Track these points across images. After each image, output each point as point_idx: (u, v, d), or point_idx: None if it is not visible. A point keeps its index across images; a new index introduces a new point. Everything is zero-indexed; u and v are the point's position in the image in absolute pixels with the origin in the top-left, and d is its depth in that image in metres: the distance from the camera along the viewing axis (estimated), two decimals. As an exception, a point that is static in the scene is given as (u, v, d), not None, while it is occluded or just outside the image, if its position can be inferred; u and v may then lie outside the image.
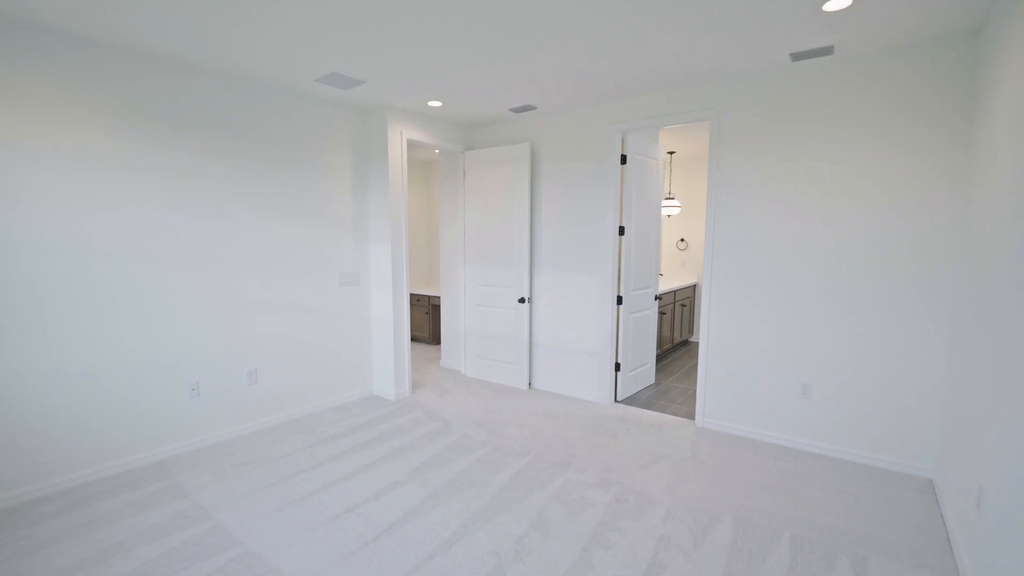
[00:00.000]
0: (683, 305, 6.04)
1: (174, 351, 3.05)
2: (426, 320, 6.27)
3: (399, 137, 3.98)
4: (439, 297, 5.93)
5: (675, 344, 5.92)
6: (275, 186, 3.48)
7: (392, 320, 4.05)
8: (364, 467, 2.92)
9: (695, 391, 4.20)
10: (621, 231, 3.95)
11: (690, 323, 6.34)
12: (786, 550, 2.15)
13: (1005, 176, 1.85)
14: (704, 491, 2.65)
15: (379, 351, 4.20)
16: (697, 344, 6.33)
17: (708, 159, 3.42)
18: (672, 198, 5.97)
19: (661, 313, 5.31)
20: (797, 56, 2.81)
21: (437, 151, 5.72)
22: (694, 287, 6.39)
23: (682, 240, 6.63)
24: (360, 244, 4.09)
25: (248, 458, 3.04)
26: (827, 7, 2.23)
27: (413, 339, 6.50)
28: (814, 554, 2.12)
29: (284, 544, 2.20)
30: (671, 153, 6.26)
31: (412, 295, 6.38)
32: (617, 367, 4.08)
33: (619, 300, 4.00)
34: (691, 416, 3.75)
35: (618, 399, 4.11)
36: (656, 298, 4.54)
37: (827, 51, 2.74)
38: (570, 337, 4.21)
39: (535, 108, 3.99)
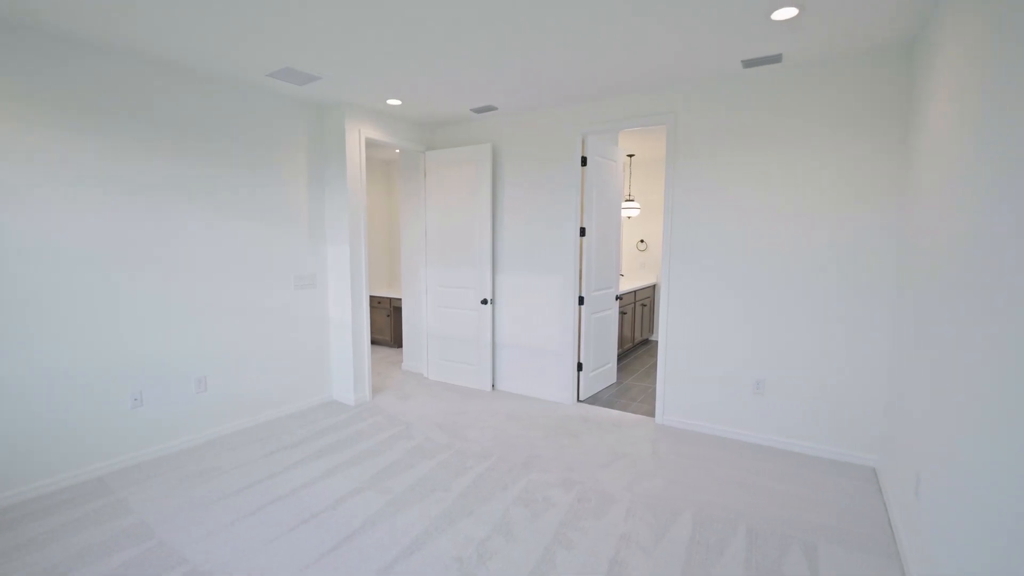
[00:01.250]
0: (643, 305, 6.16)
1: (113, 359, 2.87)
2: (387, 323, 6.15)
3: (357, 135, 3.89)
4: (400, 299, 5.83)
5: (636, 343, 6.03)
6: (226, 184, 3.33)
7: (351, 323, 3.95)
8: (322, 475, 2.83)
9: (655, 389, 4.28)
10: (582, 232, 3.99)
11: (650, 322, 6.48)
12: (742, 542, 2.21)
13: (933, 182, 1.97)
14: (664, 488, 2.70)
15: (338, 355, 4.08)
16: (657, 343, 6.48)
17: (665, 162, 3.50)
18: (632, 200, 6.08)
19: (622, 313, 5.40)
20: (748, 63, 2.91)
21: (397, 151, 5.63)
22: (654, 287, 6.53)
23: (642, 241, 6.77)
24: (317, 245, 3.97)
25: (198, 470, 2.89)
26: (775, 16, 2.31)
27: (374, 342, 6.37)
28: (768, 545, 2.19)
29: (236, 560, 2.10)
30: (631, 156, 6.38)
31: (373, 297, 6.25)
32: (579, 367, 4.11)
33: (581, 300, 4.04)
34: (651, 414, 3.83)
35: (581, 399, 4.15)
36: (617, 298, 4.61)
37: (776, 59, 2.85)
38: (533, 338, 4.22)
39: (496, 109, 3.98)
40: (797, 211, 3.05)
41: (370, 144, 5.42)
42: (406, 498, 2.57)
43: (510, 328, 4.34)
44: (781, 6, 2.21)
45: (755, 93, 3.13)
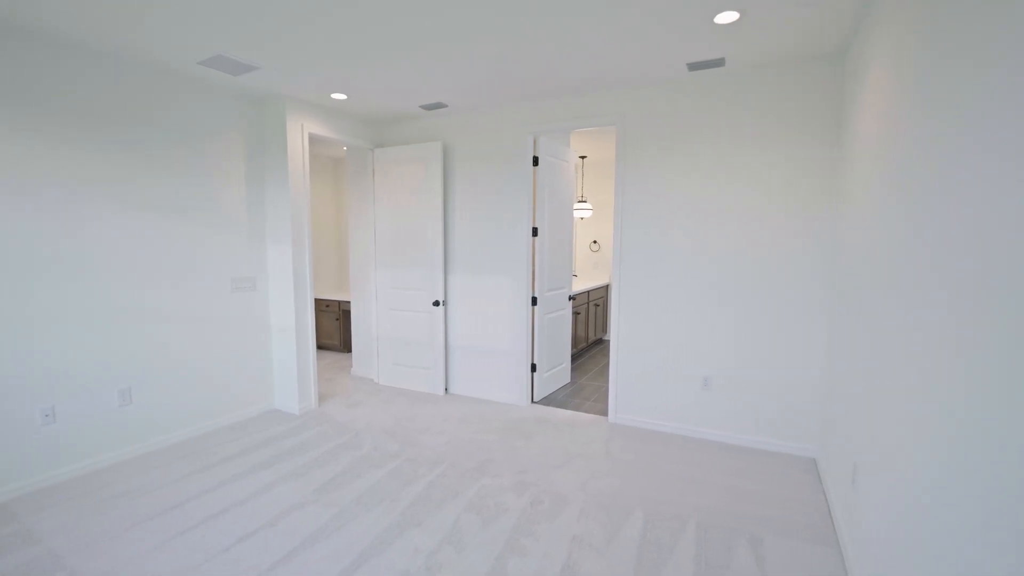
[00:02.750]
0: (596, 305, 6.22)
1: (20, 369, 2.59)
2: (336, 327, 5.93)
3: (300, 130, 3.70)
4: (350, 302, 5.63)
5: (590, 343, 6.08)
6: (155, 179, 3.09)
7: (295, 327, 3.75)
8: (261, 490, 2.66)
9: (608, 388, 4.32)
10: (534, 232, 3.96)
11: (603, 322, 6.55)
12: (692, 538, 2.23)
13: (863, 186, 2.06)
14: (616, 487, 2.70)
15: (280, 362, 3.87)
16: (610, 342, 6.56)
17: (615, 163, 3.52)
18: (584, 201, 6.13)
19: (576, 313, 5.43)
20: (693, 66, 2.97)
21: (345, 148, 5.44)
22: (606, 287, 6.62)
23: (595, 242, 6.84)
24: (257, 245, 3.75)
25: (120, 491, 2.65)
26: (718, 19, 2.36)
27: (322, 347, 6.12)
28: (717, 540, 2.22)
29: (159, 588, 1.92)
30: (583, 158, 6.44)
31: (320, 300, 6.01)
32: (533, 368, 4.09)
33: (534, 301, 4.01)
34: (605, 413, 3.84)
35: (535, 400, 4.12)
36: (570, 298, 4.62)
37: (719, 63, 2.92)
38: (486, 339, 4.16)
39: (447, 106, 3.89)
40: (740, 212, 3.13)
41: (315, 140, 5.21)
42: (352, 511, 2.45)
43: (463, 330, 4.26)
44: (724, 9, 2.26)
45: (700, 97, 3.20)
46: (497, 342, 4.10)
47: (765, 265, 3.09)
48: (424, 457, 3.06)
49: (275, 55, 2.80)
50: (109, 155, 2.88)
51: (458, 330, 4.28)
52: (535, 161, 3.89)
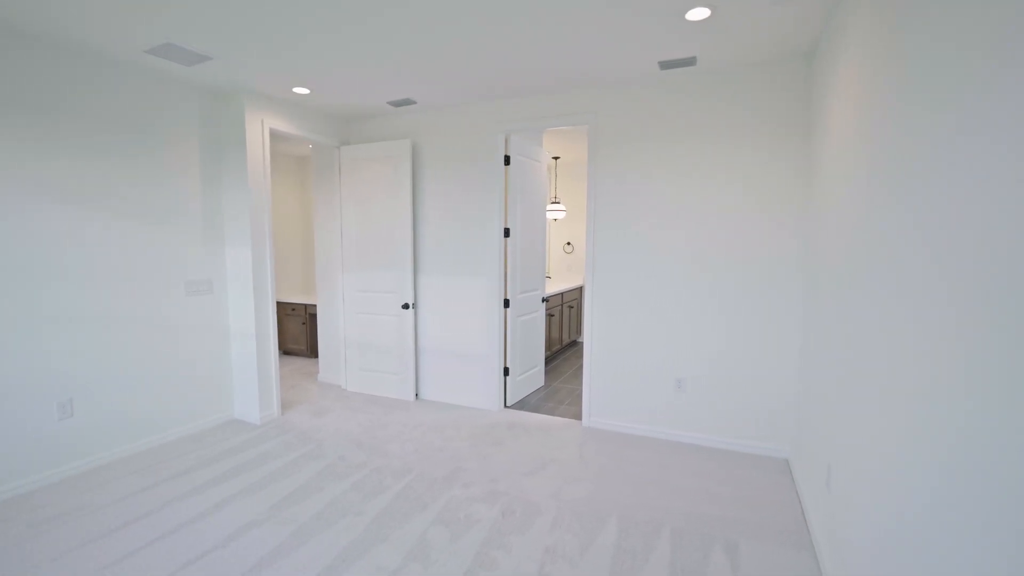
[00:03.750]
0: (570, 307, 6.17)
1: (-58, 384, 2.35)
2: (303, 331, 5.72)
3: (260, 126, 3.53)
4: (316, 305, 5.44)
5: (564, 345, 6.03)
6: (99, 177, 2.88)
7: (255, 332, 3.57)
8: (215, 506, 2.48)
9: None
10: (506, 233, 3.88)
11: (578, 324, 6.51)
12: (667, 545, 2.17)
13: (833, 185, 2.04)
14: (590, 493, 2.63)
15: (240, 368, 3.68)
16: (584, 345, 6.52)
17: (587, 163, 3.47)
18: (558, 202, 6.09)
19: (549, 315, 5.36)
20: (665, 65, 2.94)
21: (310, 145, 5.25)
22: (580, 289, 6.58)
23: (568, 244, 6.80)
24: (214, 247, 3.55)
25: (58, 512, 2.44)
26: (689, 16, 2.32)
27: (288, 352, 5.90)
28: (692, 546, 2.17)
29: (93, 620, 1.75)
30: (556, 158, 6.39)
31: (286, 304, 5.79)
32: (506, 371, 3.99)
33: (506, 303, 3.92)
34: (579, 416, 3.78)
35: (508, 404, 4.03)
36: (543, 300, 4.55)
37: (690, 62, 2.89)
38: (457, 343, 4.04)
39: (415, 103, 3.78)
40: (713, 212, 3.12)
41: (277, 137, 5.03)
42: (312, 527, 2.30)
43: (433, 333, 4.14)
44: (695, 6, 2.22)
45: (671, 96, 3.17)
46: (468, 346, 4.00)
47: (738, 266, 3.08)
48: (392, 467, 2.93)
49: (229, 42, 2.64)
50: (44, 149, 2.66)
51: (428, 333, 4.16)
52: (507, 160, 3.81)
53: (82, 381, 2.86)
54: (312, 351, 5.70)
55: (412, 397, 4.18)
